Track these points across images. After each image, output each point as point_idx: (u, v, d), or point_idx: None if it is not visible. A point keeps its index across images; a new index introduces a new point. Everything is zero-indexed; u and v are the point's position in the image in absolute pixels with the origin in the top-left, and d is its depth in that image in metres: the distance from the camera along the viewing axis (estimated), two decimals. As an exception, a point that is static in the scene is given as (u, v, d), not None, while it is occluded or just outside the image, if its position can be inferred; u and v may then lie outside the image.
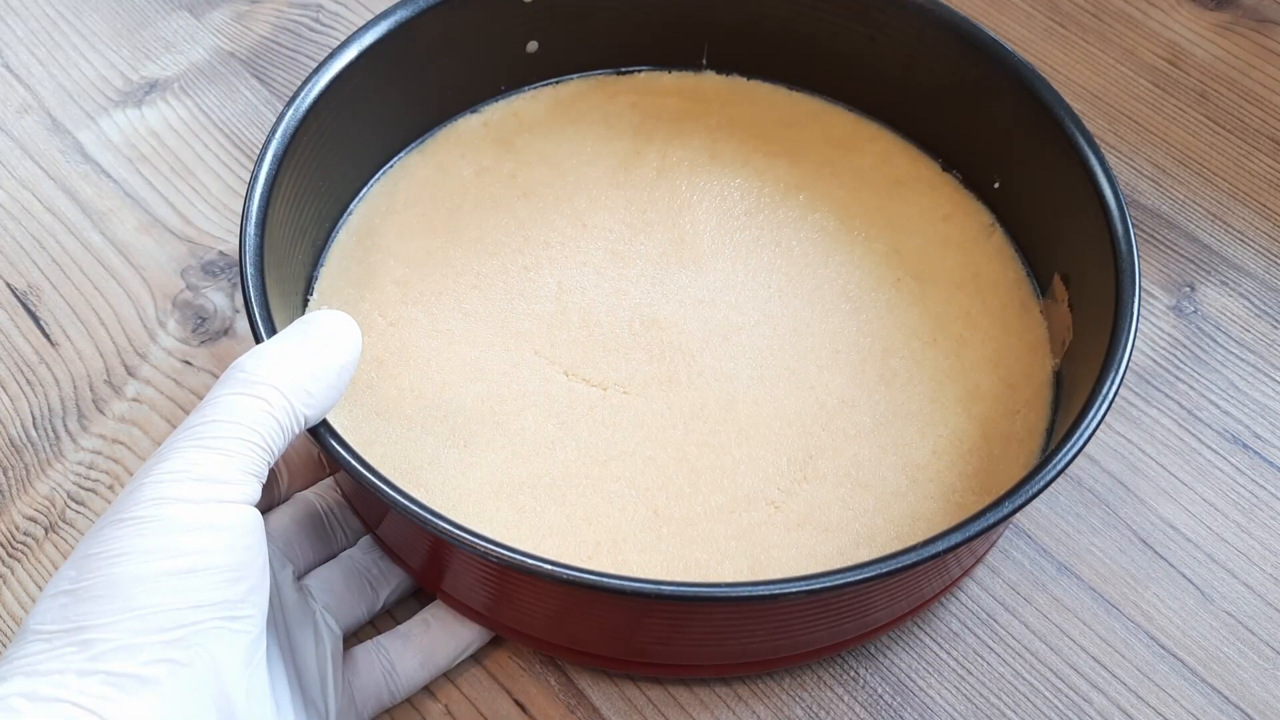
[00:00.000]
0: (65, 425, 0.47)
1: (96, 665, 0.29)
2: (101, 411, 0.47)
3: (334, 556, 0.42)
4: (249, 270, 0.39)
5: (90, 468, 0.46)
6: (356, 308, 0.44)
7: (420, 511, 0.34)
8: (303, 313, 0.44)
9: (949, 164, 0.50)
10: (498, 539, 0.34)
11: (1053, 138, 0.44)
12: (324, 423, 0.36)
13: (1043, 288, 0.46)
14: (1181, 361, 0.50)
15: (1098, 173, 0.42)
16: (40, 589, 0.43)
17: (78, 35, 0.60)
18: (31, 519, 0.45)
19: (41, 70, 0.58)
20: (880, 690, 0.42)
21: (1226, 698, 0.42)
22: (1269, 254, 0.53)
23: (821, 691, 0.42)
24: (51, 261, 0.52)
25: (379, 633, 0.41)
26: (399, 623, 0.41)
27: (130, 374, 0.48)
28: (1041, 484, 0.36)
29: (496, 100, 0.51)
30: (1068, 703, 0.41)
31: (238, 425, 0.33)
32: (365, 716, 0.39)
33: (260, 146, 0.47)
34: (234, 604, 0.32)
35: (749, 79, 0.52)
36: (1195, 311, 0.51)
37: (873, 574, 0.34)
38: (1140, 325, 0.45)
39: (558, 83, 0.52)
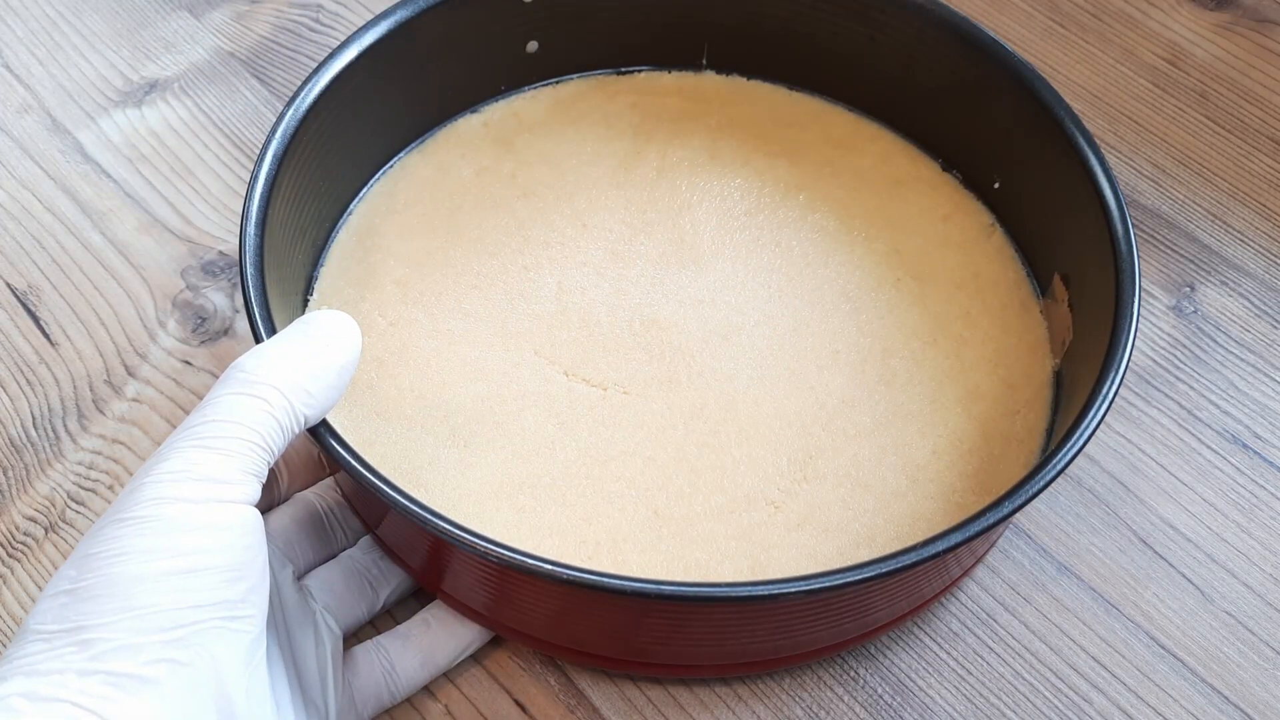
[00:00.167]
0: (65, 425, 0.47)
1: (96, 665, 0.29)
2: (101, 411, 0.47)
3: (334, 556, 0.42)
4: (249, 270, 0.39)
5: (90, 468, 0.46)
6: (356, 308, 0.44)
7: (420, 511, 0.34)
8: (303, 313, 0.44)
9: (949, 164, 0.50)
10: (498, 539, 0.34)
11: (1053, 138, 0.44)
12: (324, 423, 0.36)
13: (1043, 288, 0.46)
14: (1181, 361, 0.50)
15: (1098, 173, 0.42)
16: (40, 589, 0.43)
17: (78, 35, 0.60)
18: (31, 519, 0.45)
19: (41, 70, 0.58)
20: (880, 690, 0.42)
21: (1226, 698, 0.42)
22: (1269, 254, 0.53)
23: (821, 691, 0.42)
24: (51, 261, 0.52)
25: (379, 633, 0.41)
26: (399, 623, 0.41)
27: (130, 374, 0.48)
28: (1041, 484, 0.36)
29: (496, 100, 0.51)
30: (1068, 703, 0.41)
31: (238, 425, 0.33)
32: (365, 716, 0.39)
33: (260, 146, 0.47)
34: (234, 604, 0.32)
35: (749, 79, 0.52)
36: (1195, 311, 0.51)
37: (873, 574, 0.34)
38: (1140, 325, 0.45)
39: (558, 83, 0.52)
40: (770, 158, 0.50)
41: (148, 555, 0.31)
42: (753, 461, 0.41)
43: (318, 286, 0.45)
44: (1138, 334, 0.42)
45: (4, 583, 0.44)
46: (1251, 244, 0.53)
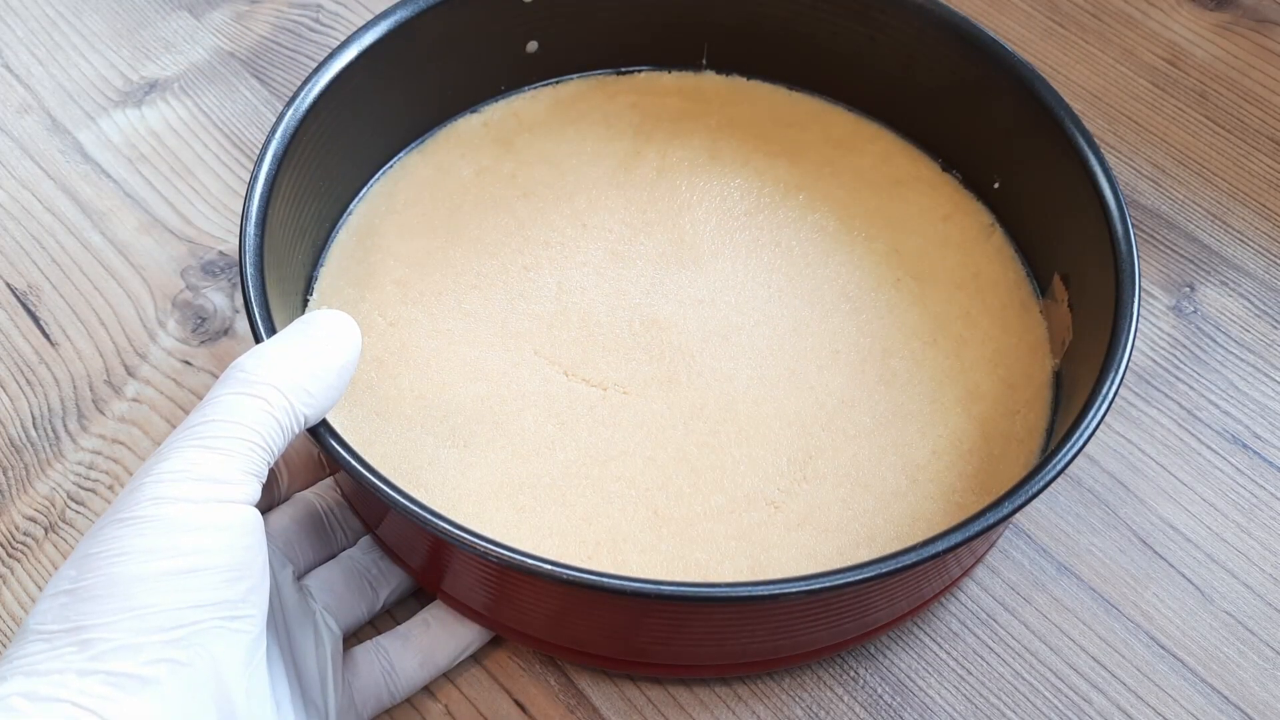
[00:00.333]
0: (65, 425, 0.47)
1: (96, 665, 0.29)
2: (101, 411, 0.47)
3: (334, 556, 0.42)
4: (249, 270, 0.39)
5: (90, 468, 0.46)
6: (356, 308, 0.44)
7: (420, 512, 0.34)
8: (303, 313, 0.44)
9: (949, 164, 0.50)
10: (498, 539, 0.34)
11: (1053, 138, 0.44)
12: (324, 423, 0.36)
13: (1043, 288, 0.46)
14: (1181, 361, 0.50)
15: (1098, 173, 0.42)
16: (40, 589, 0.43)
17: (78, 35, 0.60)
18: (31, 519, 0.45)
19: (41, 70, 0.58)
20: (880, 690, 0.42)
21: (1226, 698, 0.42)
22: (1269, 254, 0.53)
23: (821, 691, 0.42)
24: (51, 261, 0.52)
25: (379, 633, 0.41)
26: (399, 623, 0.41)
27: (130, 374, 0.48)
28: (1041, 484, 0.36)
29: (496, 100, 0.51)
30: (1068, 703, 0.41)
31: (238, 425, 0.33)
32: (365, 717, 0.39)
33: (260, 146, 0.47)
34: (234, 604, 0.32)
35: (749, 79, 0.52)
36: (1195, 311, 0.51)
37: (873, 574, 0.34)
38: (1140, 325, 0.45)
39: (558, 83, 0.52)
40: (770, 158, 0.50)
41: (148, 555, 0.31)
42: (753, 461, 0.41)
43: (318, 286, 0.45)
44: (1138, 334, 0.42)
45: (4, 583, 0.44)
46: (1251, 244, 0.53)
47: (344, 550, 0.42)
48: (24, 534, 0.45)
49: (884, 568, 0.34)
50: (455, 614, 0.41)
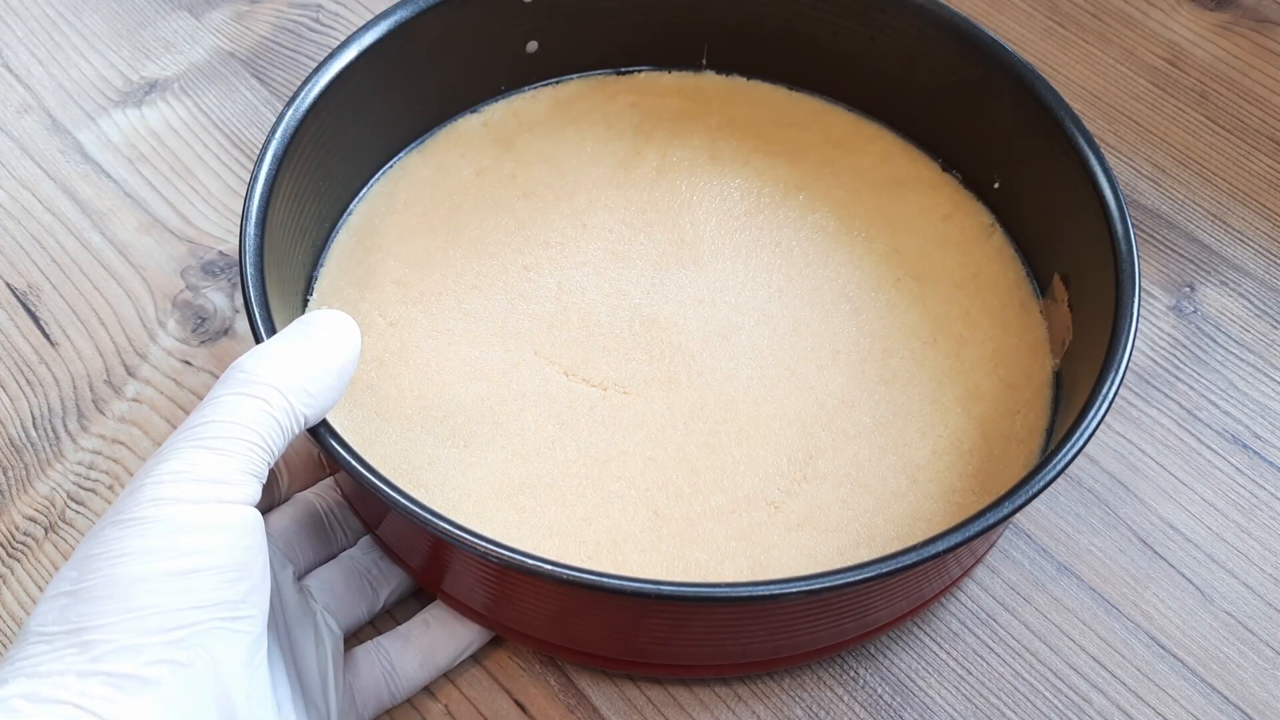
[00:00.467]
0: (65, 425, 0.47)
1: (97, 666, 0.29)
2: (101, 411, 0.47)
3: (334, 556, 0.42)
4: (249, 270, 0.39)
5: (90, 468, 0.46)
6: (356, 308, 0.44)
7: (420, 512, 0.34)
8: (303, 313, 0.44)
9: (949, 164, 0.50)
10: (498, 539, 0.34)
11: (1053, 138, 0.44)
12: (324, 423, 0.36)
13: (1043, 288, 0.46)
14: (1181, 361, 0.50)
15: (1098, 173, 0.42)
16: (40, 589, 0.43)
17: (78, 35, 0.60)
18: (31, 519, 0.45)
19: (41, 70, 0.58)
20: (880, 690, 0.42)
21: (1226, 698, 0.42)
22: (1269, 254, 0.53)
23: (821, 691, 0.42)
24: (51, 261, 0.52)
25: (379, 633, 0.41)
26: (399, 623, 0.41)
27: (130, 374, 0.48)
28: (1041, 484, 0.36)
29: (496, 100, 0.51)
30: (1068, 703, 0.41)
31: (237, 425, 0.33)
32: (366, 717, 0.39)
33: (260, 146, 0.47)
34: (234, 604, 0.32)
35: (749, 79, 0.52)
36: (1195, 311, 0.51)
37: (873, 574, 0.34)
38: (1140, 325, 0.45)
39: (558, 83, 0.52)
40: (770, 158, 0.50)
41: (148, 556, 0.31)
42: (753, 461, 0.41)
43: (318, 286, 0.45)
44: (1138, 334, 0.42)
45: (4, 583, 0.44)
46: (1251, 244, 0.53)
47: (344, 550, 0.42)
48: (24, 534, 0.45)
49: (884, 568, 0.34)
50: (455, 614, 0.41)
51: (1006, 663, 0.42)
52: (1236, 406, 0.48)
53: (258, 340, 0.37)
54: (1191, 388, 0.49)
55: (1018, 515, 0.40)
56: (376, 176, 0.48)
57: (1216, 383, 0.49)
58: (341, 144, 0.45)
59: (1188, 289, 0.52)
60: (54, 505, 0.45)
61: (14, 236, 0.52)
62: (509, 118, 0.51)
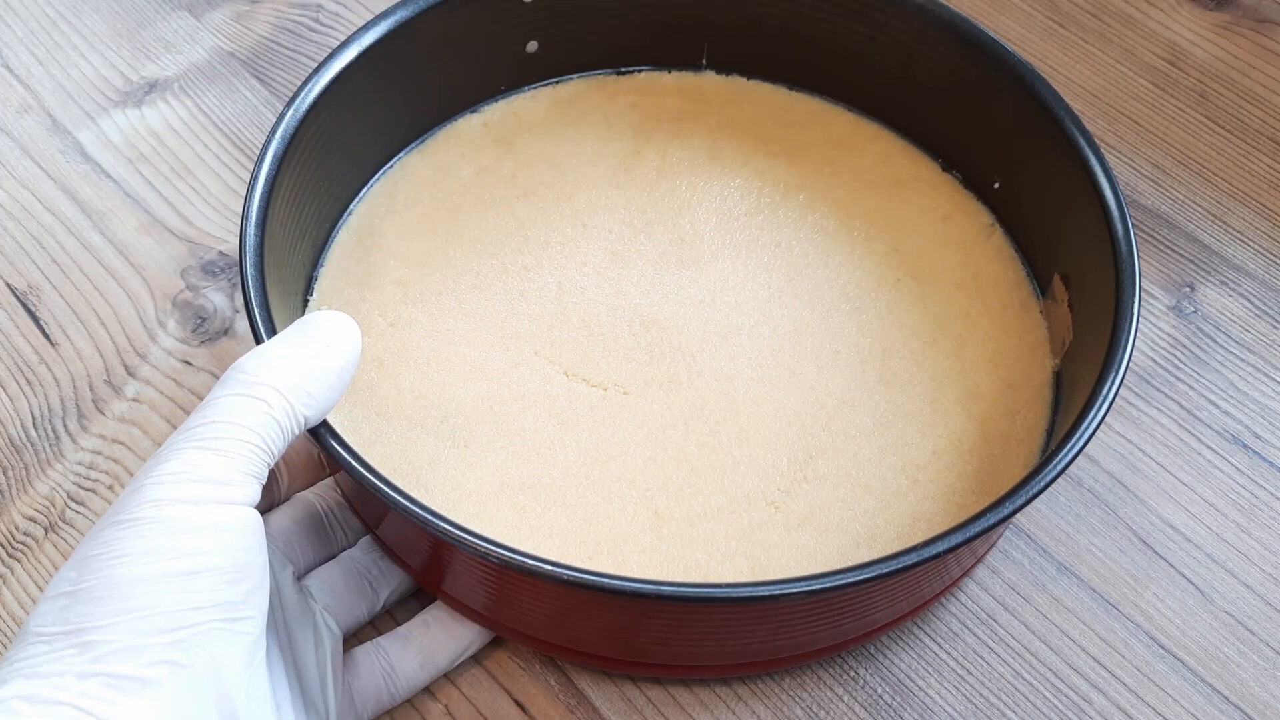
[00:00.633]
0: (65, 425, 0.47)
1: (97, 667, 0.29)
2: (101, 411, 0.47)
3: (334, 557, 0.42)
4: (249, 270, 0.39)
5: (90, 468, 0.46)
6: (356, 308, 0.44)
7: (420, 512, 0.34)
8: (303, 313, 0.44)
9: (949, 164, 0.50)
10: (498, 539, 0.34)
11: (1053, 138, 0.44)
12: (324, 423, 0.36)
13: (1043, 288, 0.46)
14: (1181, 361, 0.50)
15: (1098, 173, 0.42)
16: (40, 589, 0.43)
17: (78, 35, 0.60)
18: (31, 519, 0.45)
19: (41, 70, 0.58)
20: (880, 690, 0.42)
21: (1226, 698, 0.42)
22: (1269, 254, 0.53)
23: (821, 691, 0.42)
24: (51, 261, 0.52)
25: (379, 633, 0.41)
26: (399, 623, 0.41)
27: (130, 374, 0.48)
28: (1041, 484, 0.36)
29: (496, 100, 0.51)
30: (1068, 703, 0.41)
31: (237, 426, 0.33)
32: (365, 717, 0.39)
33: (260, 146, 0.47)
34: (234, 605, 0.32)
35: (749, 79, 0.52)
36: (1195, 311, 0.51)
37: (873, 574, 0.34)
38: (1140, 325, 0.45)
39: (558, 83, 0.52)
40: (770, 158, 0.50)
41: (148, 557, 0.31)
42: (753, 461, 0.41)
43: (318, 286, 0.45)
44: (1138, 334, 0.42)
45: (4, 583, 0.44)
46: (1251, 244, 0.53)
47: (344, 550, 0.42)
48: (24, 534, 0.45)
49: (884, 568, 0.34)
50: (455, 614, 0.41)
51: (1006, 663, 0.42)
52: (1237, 406, 0.48)
53: (258, 340, 0.37)
54: (1191, 388, 0.49)
55: (1018, 515, 0.40)
56: (376, 176, 0.48)
57: (1216, 383, 0.49)
58: (341, 144, 0.45)
59: (1188, 289, 0.52)
60: (54, 505, 0.45)
61: (14, 236, 0.52)
62: (509, 118, 0.51)
